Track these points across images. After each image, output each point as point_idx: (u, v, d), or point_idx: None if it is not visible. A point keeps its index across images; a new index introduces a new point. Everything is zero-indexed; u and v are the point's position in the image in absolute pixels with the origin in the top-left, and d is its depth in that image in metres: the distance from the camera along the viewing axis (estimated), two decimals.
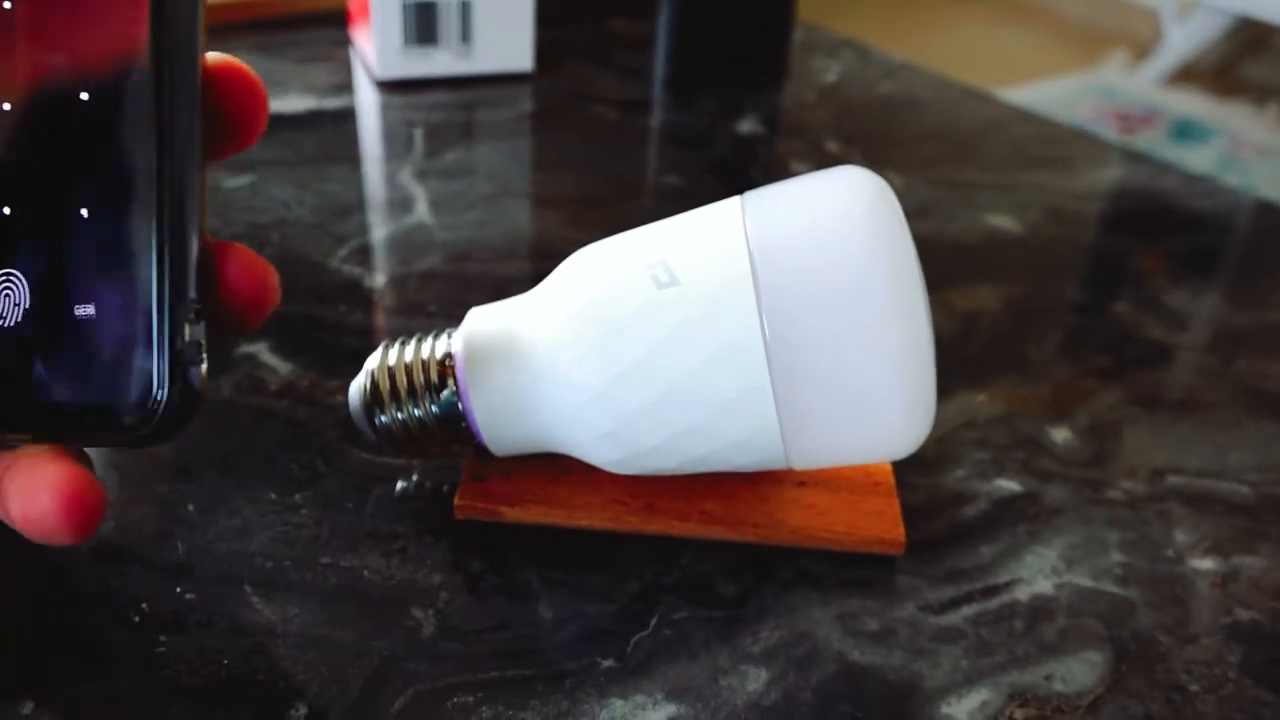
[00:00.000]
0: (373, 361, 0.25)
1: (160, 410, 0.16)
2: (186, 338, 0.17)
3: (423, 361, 0.24)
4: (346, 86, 0.50)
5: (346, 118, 0.47)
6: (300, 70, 0.51)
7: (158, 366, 0.16)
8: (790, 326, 0.21)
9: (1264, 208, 0.44)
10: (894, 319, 0.21)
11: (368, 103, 0.48)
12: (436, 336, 0.24)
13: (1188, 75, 2.03)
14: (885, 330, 0.21)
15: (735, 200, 0.23)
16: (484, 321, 0.24)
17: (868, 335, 0.21)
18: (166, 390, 0.16)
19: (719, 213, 0.23)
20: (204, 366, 0.17)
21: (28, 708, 0.20)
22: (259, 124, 0.18)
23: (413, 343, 0.24)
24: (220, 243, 0.18)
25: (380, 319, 0.33)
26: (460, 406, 0.24)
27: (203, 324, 0.17)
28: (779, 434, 0.22)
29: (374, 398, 0.24)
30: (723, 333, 0.21)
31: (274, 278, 0.18)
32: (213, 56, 0.18)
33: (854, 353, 0.21)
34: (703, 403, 0.22)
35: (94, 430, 0.17)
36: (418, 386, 0.24)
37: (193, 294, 0.17)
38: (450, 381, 0.24)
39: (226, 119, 0.18)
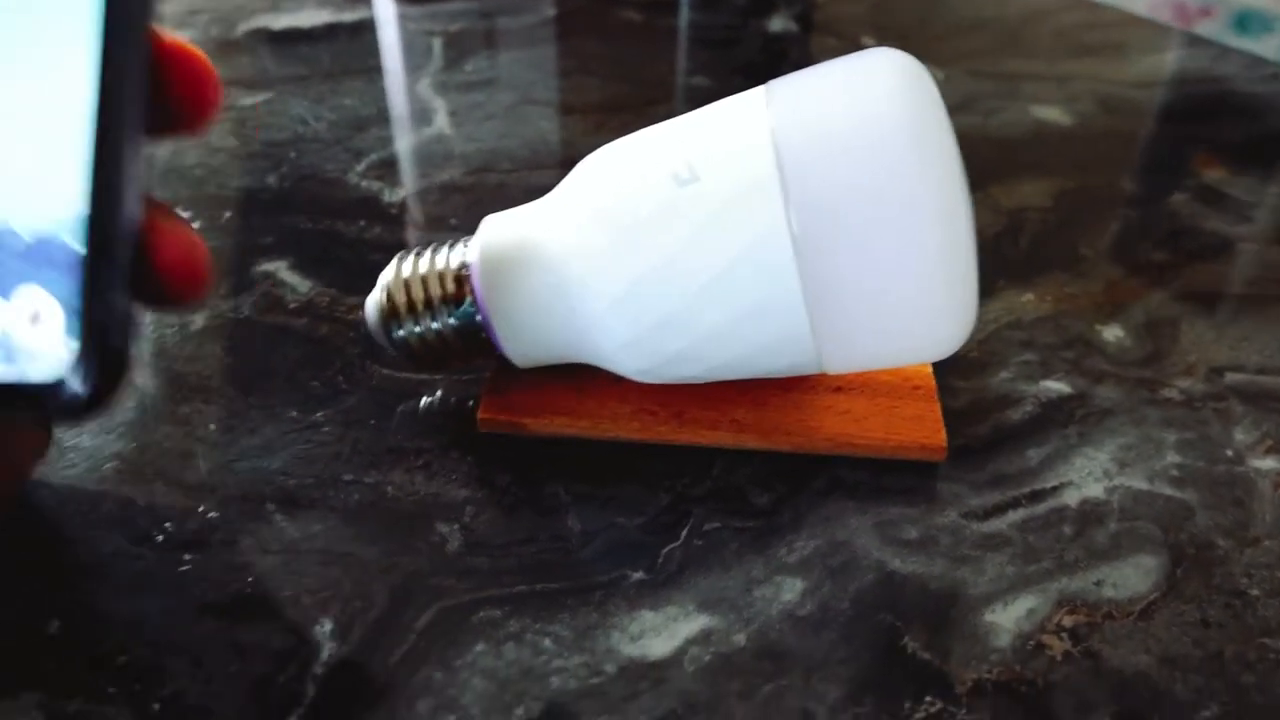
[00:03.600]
0: (387, 275, 0.24)
1: (88, 384, 0.16)
2: (115, 313, 0.16)
3: (438, 273, 0.23)
4: None
5: (364, 30, 0.45)
6: None
7: (84, 343, 0.16)
8: (820, 223, 0.20)
9: None
10: (932, 213, 0.19)
11: (385, 15, 0.47)
12: (451, 246, 0.23)
13: None
14: (922, 225, 0.19)
15: (759, 90, 0.21)
16: (500, 229, 0.23)
17: (903, 231, 0.19)
18: (93, 367, 0.16)
19: (742, 104, 0.21)
20: (135, 342, 0.16)
21: (54, 626, 0.20)
22: (208, 109, 0.18)
23: (428, 254, 0.24)
24: (155, 211, 0.17)
25: (400, 233, 0.32)
26: (478, 318, 0.23)
27: (128, 297, 0.16)
28: (810, 337, 0.21)
29: (390, 312, 0.23)
30: (748, 232, 0.20)
31: (205, 257, 0.17)
32: (167, 37, 0.17)
33: (889, 250, 0.19)
34: (729, 306, 0.20)
35: (15, 406, 0.16)
36: (434, 299, 0.23)
37: (122, 269, 0.16)
38: (467, 292, 0.23)
39: (174, 99, 0.17)
